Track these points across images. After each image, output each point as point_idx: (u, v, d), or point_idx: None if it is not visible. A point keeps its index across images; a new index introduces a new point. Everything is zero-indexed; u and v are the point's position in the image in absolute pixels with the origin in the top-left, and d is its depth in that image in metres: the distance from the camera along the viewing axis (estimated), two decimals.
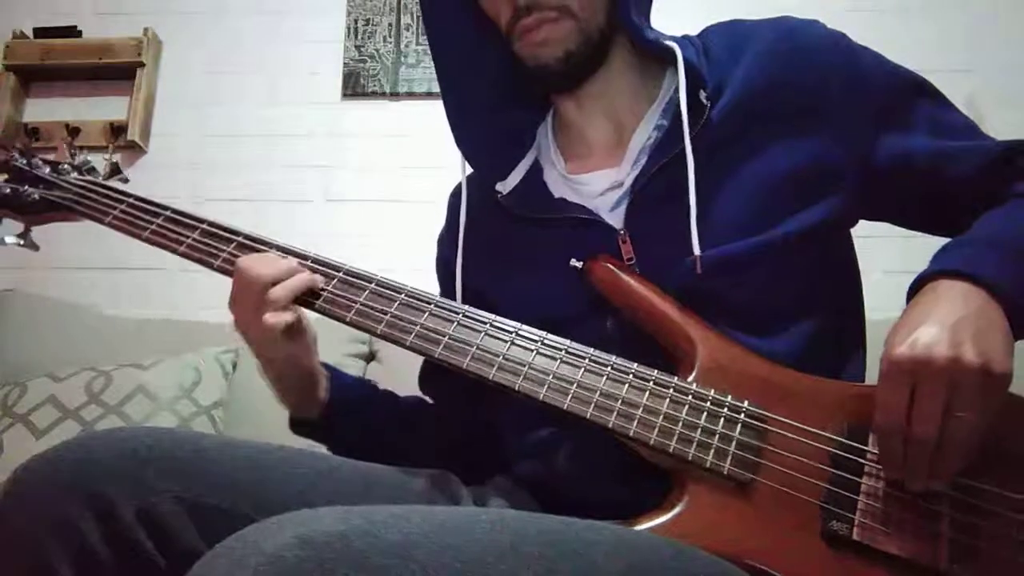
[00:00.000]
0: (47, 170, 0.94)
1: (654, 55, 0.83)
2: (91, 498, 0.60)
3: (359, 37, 2.24)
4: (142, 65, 2.21)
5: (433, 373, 0.99)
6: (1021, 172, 0.76)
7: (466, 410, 0.94)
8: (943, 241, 0.72)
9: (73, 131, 2.18)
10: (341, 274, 0.80)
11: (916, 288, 0.68)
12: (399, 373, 1.71)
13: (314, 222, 2.11)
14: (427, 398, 1.00)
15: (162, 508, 0.61)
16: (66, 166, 0.95)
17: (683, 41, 0.84)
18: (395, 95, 2.19)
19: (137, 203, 0.88)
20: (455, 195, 0.99)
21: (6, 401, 1.55)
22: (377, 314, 0.77)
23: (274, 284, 0.78)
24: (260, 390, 1.82)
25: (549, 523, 0.55)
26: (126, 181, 0.96)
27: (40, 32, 2.26)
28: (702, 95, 0.79)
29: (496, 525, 0.53)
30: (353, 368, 1.78)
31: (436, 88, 2.42)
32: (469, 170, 0.92)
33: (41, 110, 2.27)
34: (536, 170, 0.89)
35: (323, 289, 0.80)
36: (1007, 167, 0.76)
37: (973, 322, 0.61)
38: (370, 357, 1.82)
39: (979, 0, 2.12)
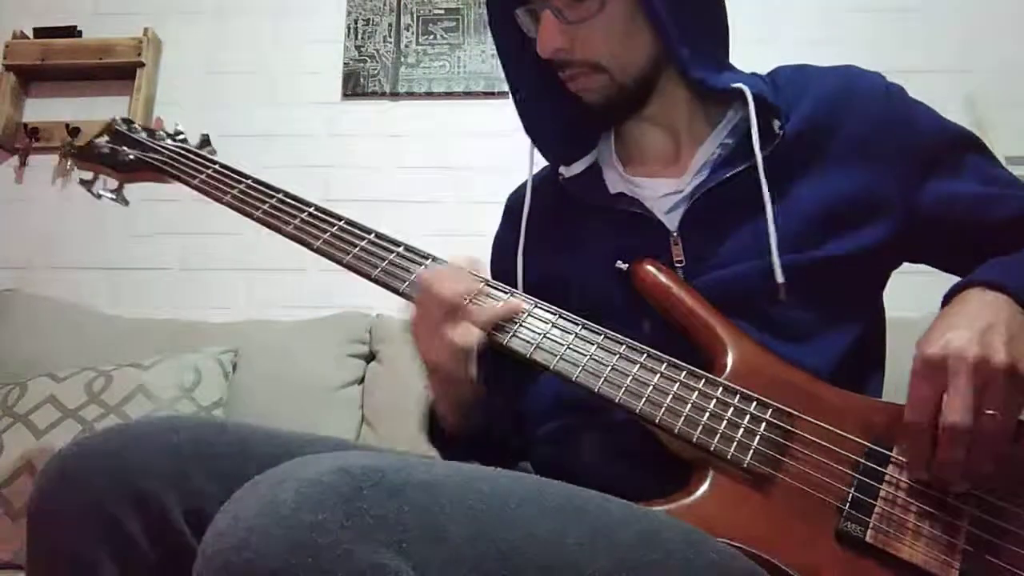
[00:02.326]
0: (144, 135, 1.05)
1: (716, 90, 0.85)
2: (133, 493, 0.60)
3: (359, 37, 2.24)
4: (142, 65, 2.21)
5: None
6: None
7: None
8: None
9: (73, 131, 2.19)
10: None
11: (950, 297, 0.71)
12: (399, 373, 1.72)
13: None
14: None
15: (211, 508, 0.61)
16: (161, 133, 1.05)
17: (752, 79, 0.86)
18: (395, 95, 2.19)
19: (223, 170, 0.96)
20: (515, 193, 1.02)
21: (6, 401, 1.54)
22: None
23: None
24: (260, 390, 1.82)
25: (567, 488, 0.58)
26: (214, 152, 1.04)
27: (40, 32, 2.26)
28: (775, 124, 0.83)
29: (520, 479, 0.56)
30: (353, 368, 1.78)
31: (436, 88, 2.41)
32: (536, 160, 0.95)
33: (41, 110, 2.27)
34: (596, 169, 0.92)
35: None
36: None
37: (1003, 327, 0.63)
38: (370, 357, 1.82)
39: (978, 0, 2.12)
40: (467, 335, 0.76)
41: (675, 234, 0.83)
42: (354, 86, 2.20)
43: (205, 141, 1.06)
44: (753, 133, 0.81)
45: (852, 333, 0.80)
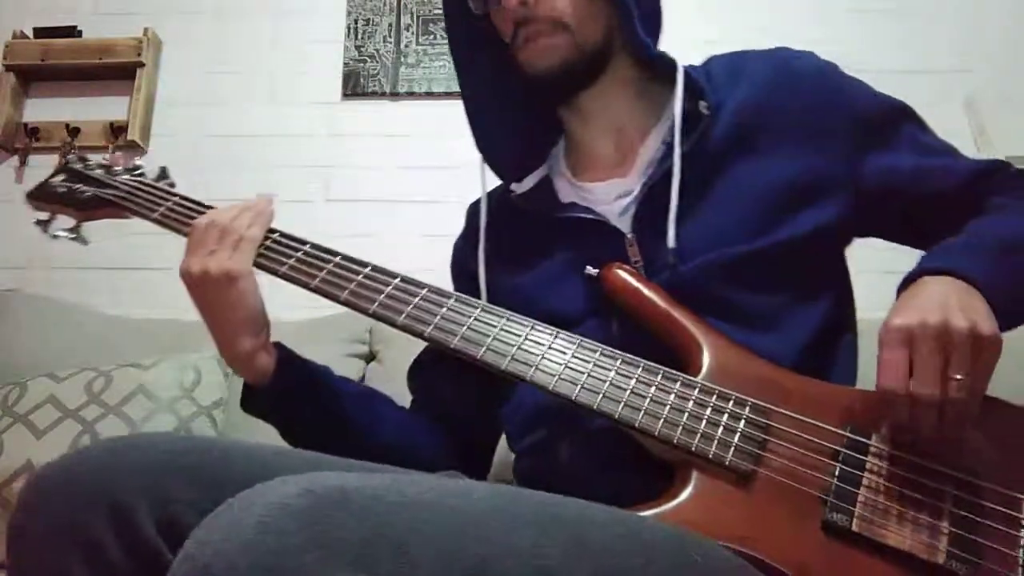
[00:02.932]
0: (100, 171, 1.02)
1: (659, 74, 0.88)
2: (111, 508, 0.59)
3: (359, 37, 2.24)
4: (142, 65, 2.21)
5: (433, 365, 1.00)
6: (996, 186, 0.83)
7: (459, 402, 0.96)
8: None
9: (73, 131, 2.19)
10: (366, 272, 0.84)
11: (902, 288, 0.73)
12: (399, 374, 1.72)
13: (314, 222, 2.11)
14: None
15: (184, 519, 0.60)
16: (119, 168, 1.02)
17: (687, 66, 0.89)
18: (395, 95, 2.19)
19: (184, 202, 0.94)
20: (475, 205, 1.02)
21: (6, 401, 1.54)
22: (399, 305, 0.80)
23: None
24: None
25: (543, 497, 0.57)
26: (173, 185, 1.02)
27: (40, 32, 2.26)
28: (702, 105, 0.84)
29: (494, 492, 0.55)
30: (353, 368, 1.78)
31: (436, 88, 2.41)
32: (488, 178, 0.96)
33: (41, 110, 2.27)
34: (546, 180, 0.94)
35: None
36: (983, 182, 0.83)
37: (956, 299, 0.66)
38: (370, 357, 1.82)
39: (978, 0, 2.12)
40: (239, 256, 0.81)
41: (630, 236, 0.83)
42: (354, 86, 2.20)
43: (163, 174, 1.03)
44: (676, 119, 0.83)
45: (818, 312, 0.80)
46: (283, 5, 2.30)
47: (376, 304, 0.80)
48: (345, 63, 2.23)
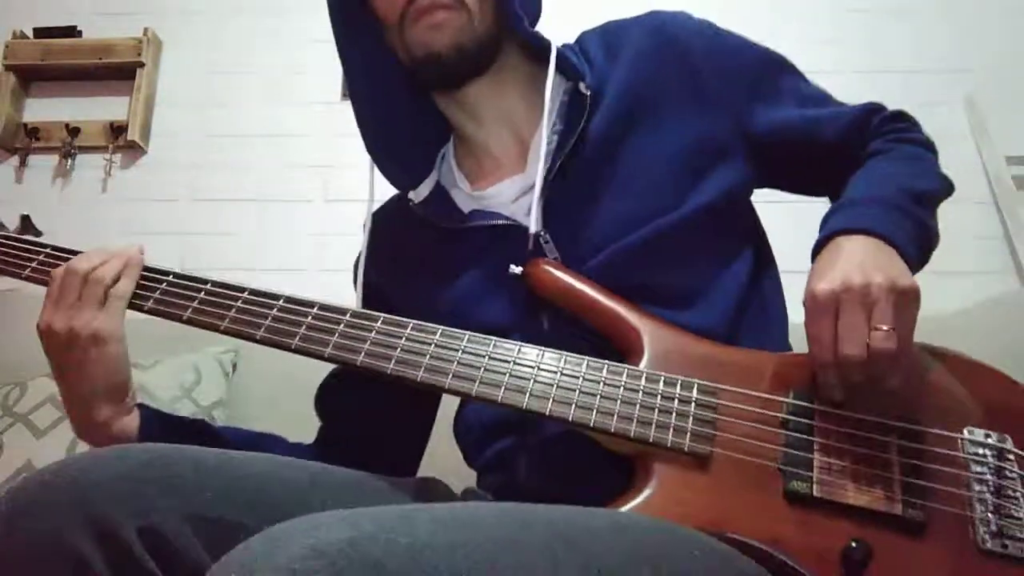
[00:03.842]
0: None
1: (543, 59, 0.85)
2: (90, 519, 0.58)
3: None
4: (142, 65, 2.21)
5: (342, 386, 0.95)
6: (874, 131, 0.85)
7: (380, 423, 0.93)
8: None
9: (73, 131, 2.19)
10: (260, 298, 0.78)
11: (815, 253, 0.74)
12: None
13: (314, 222, 2.11)
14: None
15: (165, 526, 0.59)
16: None
17: (560, 46, 0.87)
18: None
19: (55, 252, 0.84)
20: (377, 212, 0.98)
21: (6, 401, 1.54)
22: (324, 336, 0.75)
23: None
24: (260, 390, 1.82)
25: (549, 513, 0.56)
26: (40, 234, 0.91)
27: (40, 32, 2.26)
28: (582, 86, 0.83)
29: (501, 519, 0.53)
30: None
31: None
32: (377, 184, 0.93)
33: (41, 110, 2.27)
34: (440, 190, 0.90)
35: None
36: (864, 128, 0.85)
37: (874, 257, 0.68)
38: None
39: (978, 0, 2.12)
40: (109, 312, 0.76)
41: (542, 233, 0.81)
42: None
43: (27, 224, 0.93)
44: (546, 91, 0.82)
45: (740, 272, 0.81)
46: (283, 5, 2.30)
47: (297, 338, 0.75)
48: None
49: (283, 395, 1.69)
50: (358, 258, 0.96)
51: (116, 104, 2.23)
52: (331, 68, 2.23)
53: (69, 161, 2.18)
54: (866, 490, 0.64)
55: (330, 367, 0.91)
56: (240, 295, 0.78)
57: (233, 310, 0.77)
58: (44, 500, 0.59)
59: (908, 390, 0.67)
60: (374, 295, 0.91)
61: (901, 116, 0.87)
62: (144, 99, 2.20)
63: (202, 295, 0.79)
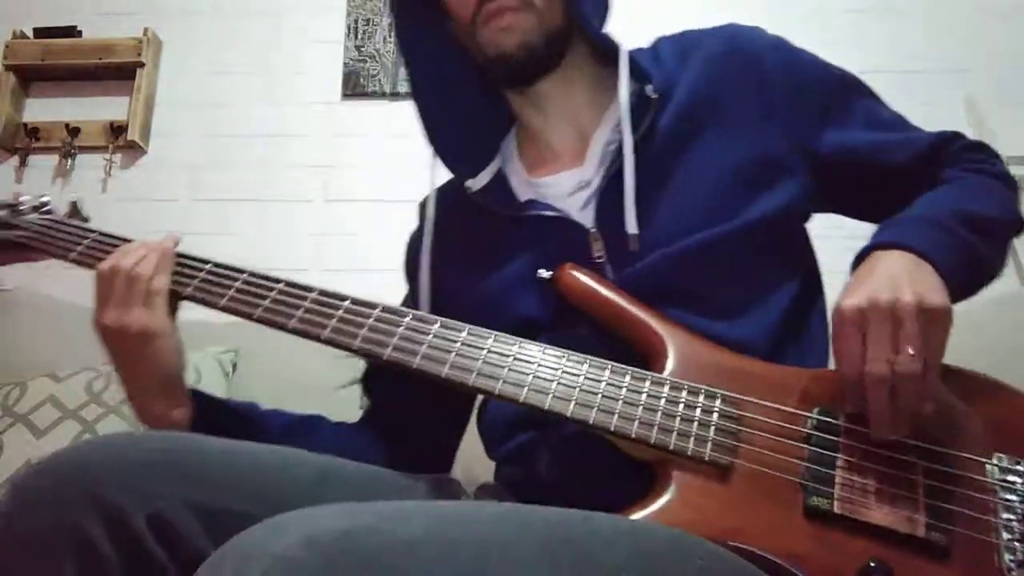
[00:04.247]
0: (4, 212, 0.93)
1: (610, 60, 0.86)
2: (100, 505, 0.58)
3: (359, 37, 2.24)
4: (142, 65, 2.21)
5: (386, 374, 0.96)
6: (949, 159, 0.83)
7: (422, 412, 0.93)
8: None
9: (73, 131, 2.19)
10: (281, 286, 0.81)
11: (856, 264, 0.73)
12: None
13: (314, 222, 2.11)
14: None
15: (171, 514, 0.60)
16: (25, 207, 0.93)
17: (633, 49, 0.88)
18: (395, 95, 2.19)
19: (102, 238, 0.87)
20: (425, 202, 0.98)
21: (6, 401, 1.54)
22: (354, 330, 0.76)
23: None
24: (260, 390, 1.82)
25: (549, 515, 0.56)
26: (87, 219, 0.94)
27: (40, 32, 2.26)
28: (648, 89, 0.83)
29: (499, 519, 0.53)
30: (353, 368, 1.77)
31: None
32: (438, 173, 0.94)
33: (41, 110, 2.27)
34: (500, 177, 0.91)
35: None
36: (936, 156, 0.83)
37: (907, 273, 0.67)
38: None
39: (978, 0, 2.12)
40: (151, 309, 0.77)
41: (593, 230, 0.81)
42: (354, 86, 2.20)
43: (74, 210, 0.95)
44: (620, 91, 0.82)
45: (786, 294, 0.80)
46: (283, 5, 2.30)
47: (328, 329, 0.76)
48: (345, 63, 2.23)
49: (283, 395, 1.69)
50: (413, 241, 0.97)
51: (116, 104, 2.23)
52: (331, 68, 2.23)
53: (69, 161, 2.18)
54: (888, 510, 0.62)
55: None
56: (276, 286, 0.80)
57: (268, 300, 0.79)
58: (55, 485, 0.60)
59: (936, 411, 0.65)
60: (430, 279, 0.91)
61: (980, 147, 0.85)
62: (144, 99, 2.20)
63: (239, 283, 0.81)
